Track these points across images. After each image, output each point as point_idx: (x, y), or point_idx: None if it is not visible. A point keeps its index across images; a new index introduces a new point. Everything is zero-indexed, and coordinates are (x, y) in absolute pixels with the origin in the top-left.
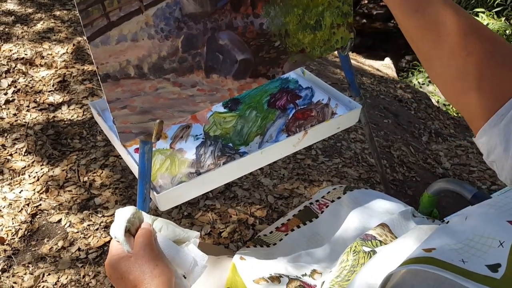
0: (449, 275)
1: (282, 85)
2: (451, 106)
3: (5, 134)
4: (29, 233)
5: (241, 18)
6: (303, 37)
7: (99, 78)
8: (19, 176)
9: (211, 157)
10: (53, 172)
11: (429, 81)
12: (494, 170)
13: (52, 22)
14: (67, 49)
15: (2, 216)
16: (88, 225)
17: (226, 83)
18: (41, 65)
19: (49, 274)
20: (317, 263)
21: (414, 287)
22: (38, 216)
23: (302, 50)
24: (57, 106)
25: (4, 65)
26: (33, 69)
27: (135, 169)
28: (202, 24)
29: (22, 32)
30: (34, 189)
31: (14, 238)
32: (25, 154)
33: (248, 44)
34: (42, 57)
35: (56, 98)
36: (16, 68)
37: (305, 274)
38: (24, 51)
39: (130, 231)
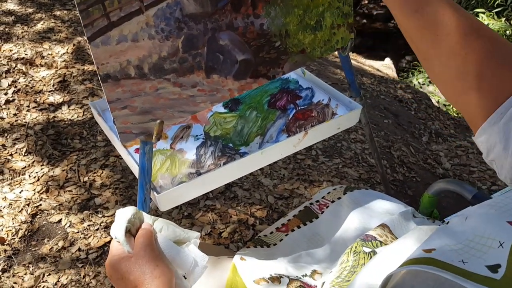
0: (449, 275)
1: (283, 85)
2: (451, 106)
3: (5, 134)
4: (29, 233)
5: (241, 18)
6: (303, 37)
7: (99, 78)
8: (19, 176)
9: (211, 158)
10: (53, 172)
11: (429, 82)
12: (493, 169)
13: (52, 22)
14: (67, 49)
15: (2, 216)
16: (89, 225)
17: (227, 84)
18: (41, 65)
19: (49, 274)
20: (318, 264)
21: (414, 287)
22: (38, 216)
23: (303, 51)
24: (57, 106)
25: (4, 65)
26: (33, 69)
27: (135, 169)
28: (203, 25)
29: (22, 32)
30: (34, 189)
31: (14, 238)
32: (25, 154)
33: (248, 44)
34: (42, 57)
35: (56, 98)
36: (16, 68)
37: (306, 275)
38: (24, 51)
39: (131, 232)
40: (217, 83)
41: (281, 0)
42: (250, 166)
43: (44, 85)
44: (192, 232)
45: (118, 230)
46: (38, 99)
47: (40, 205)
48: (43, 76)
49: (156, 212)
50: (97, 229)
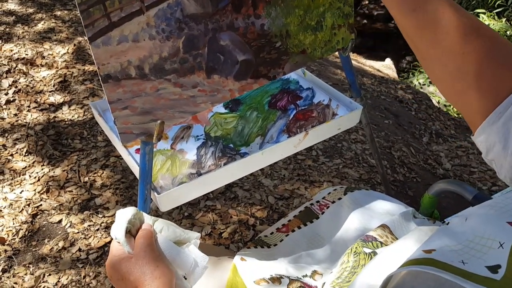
0: (449, 276)
1: (283, 85)
2: (451, 107)
3: (6, 134)
4: (29, 234)
5: (242, 19)
6: (304, 38)
7: (100, 78)
8: (19, 176)
9: (212, 158)
10: (54, 172)
11: (430, 82)
12: (493, 168)
13: (53, 22)
14: (68, 49)
15: (2, 216)
16: (89, 225)
17: (227, 84)
18: (42, 65)
19: (49, 275)
20: (318, 264)
21: None
22: (38, 217)
23: (303, 51)
24: (57, 106)
25: (5, 65)
26: (34, 69)
27: (136, 169)
28: (203, 25)
29: (23, 32)
30: (34, 190)
31: (15, 239)
32: (26, 154)
33: (249, 45)
34: (43, 57)
35: (57, 98)
36: (17, 68)
37: (306, 275)
38: (25, 51)
39: (131, 232)
40: (218, 84)
41: (282, 0)
42: (251, 166)
43: (45, 85)
44: (192, 233)
45: (118, 230)
46: (38, 99)
47: (41, 205)
48: (44, 76)
49: (156, 213)
50: (98, 230)
